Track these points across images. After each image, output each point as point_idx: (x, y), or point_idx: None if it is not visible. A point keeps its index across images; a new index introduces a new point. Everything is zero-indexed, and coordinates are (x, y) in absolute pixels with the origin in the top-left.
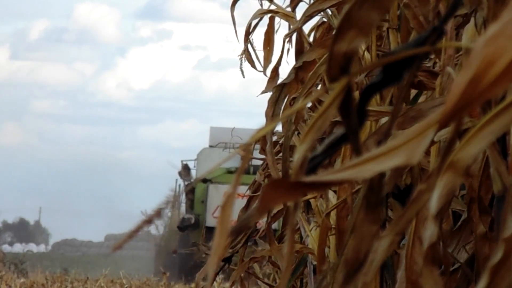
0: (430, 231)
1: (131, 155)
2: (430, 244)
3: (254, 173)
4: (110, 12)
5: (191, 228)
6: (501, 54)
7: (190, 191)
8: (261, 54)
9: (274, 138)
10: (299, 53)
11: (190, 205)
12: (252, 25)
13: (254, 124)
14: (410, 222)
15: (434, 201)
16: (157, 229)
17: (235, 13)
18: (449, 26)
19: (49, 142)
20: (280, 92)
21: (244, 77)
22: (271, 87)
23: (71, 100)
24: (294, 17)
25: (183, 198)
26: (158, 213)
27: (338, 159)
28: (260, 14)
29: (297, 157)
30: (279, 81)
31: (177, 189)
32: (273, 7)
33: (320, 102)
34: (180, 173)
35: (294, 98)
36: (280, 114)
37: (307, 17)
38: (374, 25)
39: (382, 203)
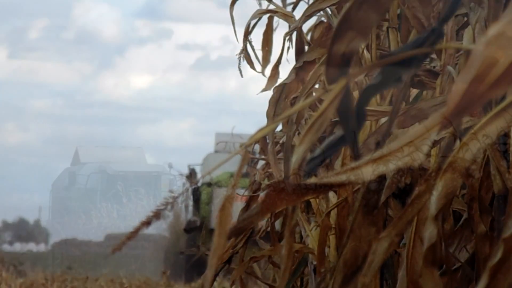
0: (429, 232)
1: (130, 154)
2: (430, 245)
3: None
4: (109, 11)
5: (198, 231)
6: (502, 55)
7: (194, 194)
8: (260, 54)
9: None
10: (299, 53)
11: (197, 208)
12: (251, 25)
13: (254, 123)
14: (409, 223)
15: (434, 202)
16: (169, 230)
17: (233, 13)
18: (449, 26)
19: (47, 141)
20: (281, 92)
21: (242, 76)
22: (272, 85)
23: (70, 99)
24: (293, 17)
25: (190, 201)
26: (157, 215)
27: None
28: (259, 14)
29: (295, 158)
30: (279, 79)
31: (186, 193)
32: (272, 7)
33: (320, 101)
34: (187, 178)
35: (294, 98)
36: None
37: (307, 16)
38: (372, 26)
39: (381, 204)
